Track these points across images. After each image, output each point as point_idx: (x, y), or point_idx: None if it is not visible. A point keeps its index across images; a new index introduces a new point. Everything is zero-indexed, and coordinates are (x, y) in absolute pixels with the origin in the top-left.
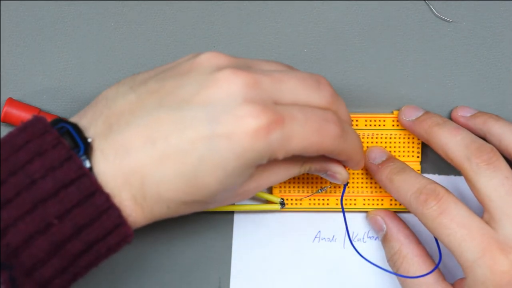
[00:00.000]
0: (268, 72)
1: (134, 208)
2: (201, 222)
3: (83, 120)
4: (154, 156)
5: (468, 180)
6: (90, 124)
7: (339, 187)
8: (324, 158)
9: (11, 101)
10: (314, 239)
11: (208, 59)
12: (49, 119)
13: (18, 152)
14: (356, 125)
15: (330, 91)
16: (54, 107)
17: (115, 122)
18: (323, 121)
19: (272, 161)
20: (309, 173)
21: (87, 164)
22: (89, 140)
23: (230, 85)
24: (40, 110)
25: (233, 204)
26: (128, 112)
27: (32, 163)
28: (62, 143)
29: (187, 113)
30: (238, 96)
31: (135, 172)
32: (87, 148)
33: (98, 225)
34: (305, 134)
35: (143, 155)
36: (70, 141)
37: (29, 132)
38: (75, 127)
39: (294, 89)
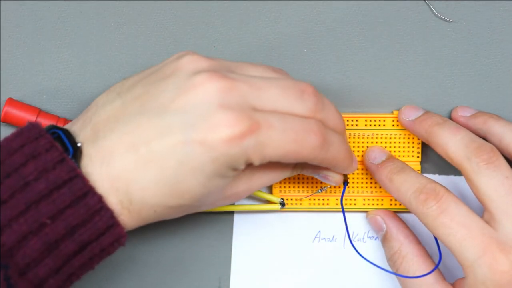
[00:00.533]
0: (248, 78)
1: (121, 212)
2: (201, 222)
3: (74, 127)
4: (137, 161)
5: (468, 180)
6: (80, 130)
7: (339, 187)
8: None
9: (11, 101)
10: (314, 239)
11: (188, 62)
12: (49, 119)
13: (13, 155)
14: (356, 125)
15: (314, 100)
16: (54, 107)
17: (102, 129)
18: (302, 130)
19: (262, 166)
20: (303, 174)
21: (77, 167)
22: (79, 144)
23: (206, 90)
24: (40, 110)
25: (233, 204)
26: (113, 118)
27: (26, 165)
28: (55, 146)
29: (165, 119)
30: (213, 101)
31: (120, 177)
32: (76, 152)
33: (91, 226)
34: (281, 142)
35: (126, 161)
36: (61, 145)
37: (24, 137)
38: (66, 132)
39: (274, 97)
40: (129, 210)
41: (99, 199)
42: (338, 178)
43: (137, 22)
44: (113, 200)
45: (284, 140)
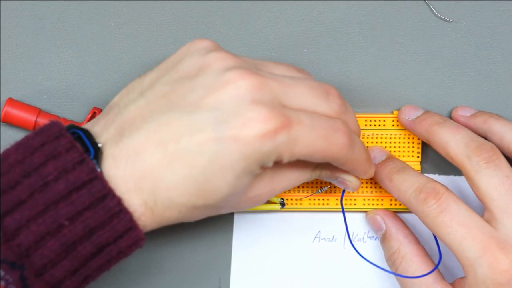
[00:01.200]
0: (276, 76)
1: (144, 213)
2: (201, 222)
3: (96, 127)
4: (165, 159)
5: (468, 179)
6: (102, 131)
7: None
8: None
9: (11, 101)
10: (314, 239)
11: (215, 60)
12: (49, 119)
13: (33, 154)
14: None
15: (339, 102)
16: (54, 107)
17: (127, 128)
18: (331, 129)
19: (284, 167)
20: (320, 178)
21: (97, 168)
22: (100, 145)
23: (238, 87)
24: (40, 110)
25: None
26: (139, 117)
27: (46, 165)
28: (75, 146)
29: (196, 116)
30: (245, 98)
31: (146, 176)
32: (97, 153)
33: (109, 228)
34: (311, 139)
35: (154, 159)
36: (81, 146)
37: (45, 135)
38: (87, 132)
39: (302, 96)
40: (153, 211)
41: (119, 201)
42: (357, 184)
43: (137, 22)
44: (136, 200)
45: (314, 137)
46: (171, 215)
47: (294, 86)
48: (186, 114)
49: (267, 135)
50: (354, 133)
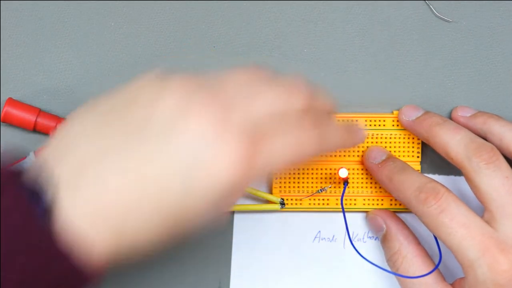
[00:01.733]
0: (237, 92)
1: (103, 245)
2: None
3: (50, 160)
4: (131, 193)
5: (468, 180)
6: (56, 166)
7: (339, 187)
8: None
9: (11, 101)
10: (314, 239)
11: (176, 89)
12: (49, 119)
13: None
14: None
15: (304, 91)
16: (54, 107)
17: (87, 164)
18: (299, 131)
19: None
20: None
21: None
22: (53, 186)
23: (203, 122)
24: (40, 110)
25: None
26: (99, 149)
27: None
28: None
29: (163, 149)
30: (212, 131)
31: (109, 212)
32: (48, 206)
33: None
34: (285, 151)
35: (118, 194)
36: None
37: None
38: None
39: (268, 102)
40: (114, 245)
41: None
42: None
43: (137, 22)
44: (100, 235)
45: (287, 148)
46: (137, 250)
47: (256, 97)
48: (152, 146)
49: (238, 166)
50: (323, 121)
